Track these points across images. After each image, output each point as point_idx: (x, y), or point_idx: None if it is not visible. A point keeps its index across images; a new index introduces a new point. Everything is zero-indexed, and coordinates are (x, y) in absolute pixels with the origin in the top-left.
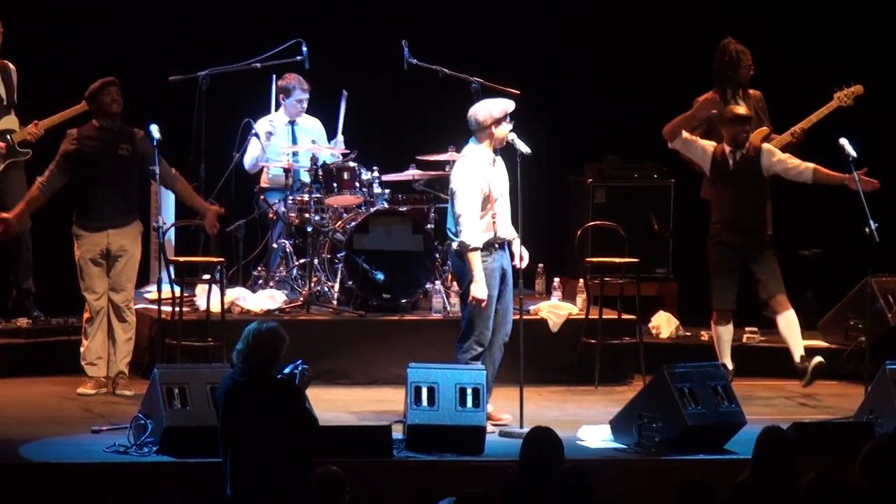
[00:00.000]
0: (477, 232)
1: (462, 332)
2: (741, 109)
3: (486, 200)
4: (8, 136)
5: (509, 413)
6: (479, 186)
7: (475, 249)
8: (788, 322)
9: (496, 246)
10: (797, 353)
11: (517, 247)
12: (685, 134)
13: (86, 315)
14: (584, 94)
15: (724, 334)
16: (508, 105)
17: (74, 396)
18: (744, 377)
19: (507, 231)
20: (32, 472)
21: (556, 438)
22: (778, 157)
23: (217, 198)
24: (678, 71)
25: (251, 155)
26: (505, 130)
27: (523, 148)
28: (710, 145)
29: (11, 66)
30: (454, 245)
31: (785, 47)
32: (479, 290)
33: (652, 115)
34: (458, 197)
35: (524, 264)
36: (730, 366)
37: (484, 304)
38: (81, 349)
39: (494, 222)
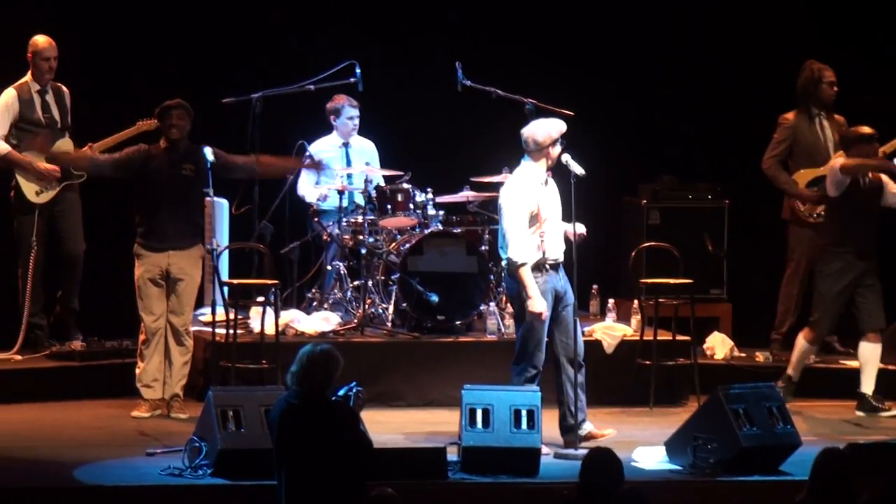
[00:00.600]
0: (524, 248)
1: (516, 354)
2: (867, 128)
3: (535, 219)
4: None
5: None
6: (527, 204)
7: (523, 265)
8: (872, 352)
9: (547, 267)
10: (869, 386)
11: (572, 227)
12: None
13: (142, 337)
14: (639, 114)
15: (808, 351)
16: (563, 125)
17: (129, 419)
18: (799, 398)
19: (558, 252)
20: (87, 495)
21: (616, 459)
22: (892, 188)
23: (271, 220)
24: (733, 92)
25: (306, 187)
26: (557, 151)
27: (578, 169)
28: None
29: (65, 89)
30: (504, 264)
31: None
32: (535, 304)
33: (707, 136)
34: (504, 213)
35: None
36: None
37: (543, 317)
38: (137, 371)
39: (543, 242)
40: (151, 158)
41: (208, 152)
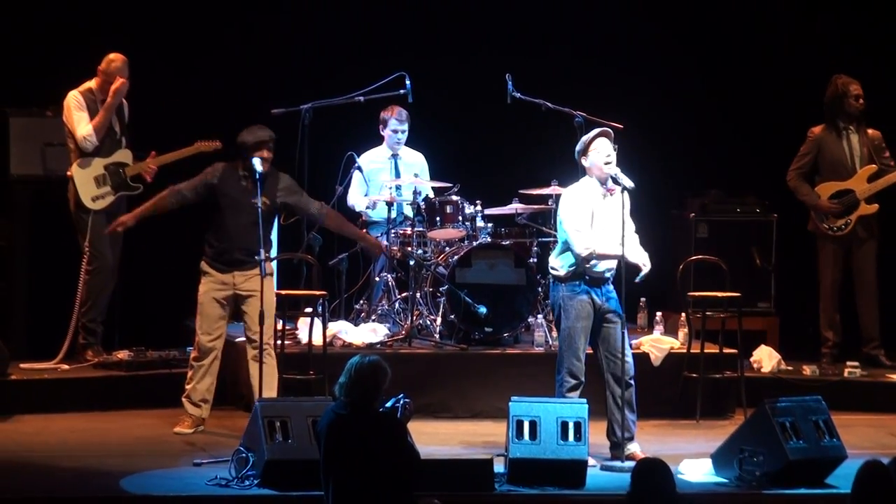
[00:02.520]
0: (587, 239)
1: (557, 365)
2: None
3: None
4: (121, 170)
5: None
6: (584, 206)
7: (590, 253)
8: None
9: (587, 277)
10: None
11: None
12: None
13: (194, 353)
14: (687, 127)
15: None
16: (590, 134)
17: (174, 428)
18: (845, 411)
19: (604, 267)
20: None
21: (667, 469)
22: None
23: (319, 232)
24: (781, 105)
25: (356, 197)
26: (596, 160)
27: (626, 182)
28: None
29: (125, 101)
30: (553, 274)
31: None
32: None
33: (755, 149)
34: (563, 217)
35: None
36: None
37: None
38: (187, 387)
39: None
40: (227, 181)
41: (257, 163)
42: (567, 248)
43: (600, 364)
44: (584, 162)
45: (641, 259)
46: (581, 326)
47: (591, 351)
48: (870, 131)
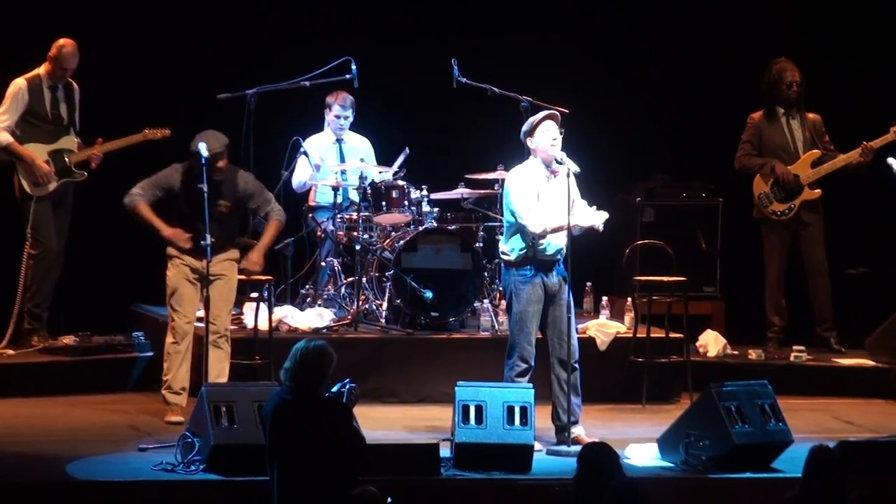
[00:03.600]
0: (537, 216)
1: (507, 349)
2: None
3: None
4: (65, 157)
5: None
6: (530, 186)
7: (543, 231)
8: None
9: (538, 260)
10: None
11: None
12: None
13: (170, 339)
14: (634, 111)
15: None
16: (537, 116)
17: (121, 414)
18: (791, 396)
19: (554, 249)
20: (79, 491)
21: (612, 452)
22: None
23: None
24: (728, 89)
25: (300, 176)
26: (542, 142)
27: (572, 166)
28: None
29: (76, 85)
30: (503, 259)
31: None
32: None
33: (701, 134)
34: (512, 198)
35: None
36: None
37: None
38: (167, 377)
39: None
40: (188, 188)
41: (203, 148)
42: (516, 231)
43: (546, 347)
44: (530, 143)
45: (594, 217)
46: (532, 311)
47: (540, 335)
48: (810, 115)
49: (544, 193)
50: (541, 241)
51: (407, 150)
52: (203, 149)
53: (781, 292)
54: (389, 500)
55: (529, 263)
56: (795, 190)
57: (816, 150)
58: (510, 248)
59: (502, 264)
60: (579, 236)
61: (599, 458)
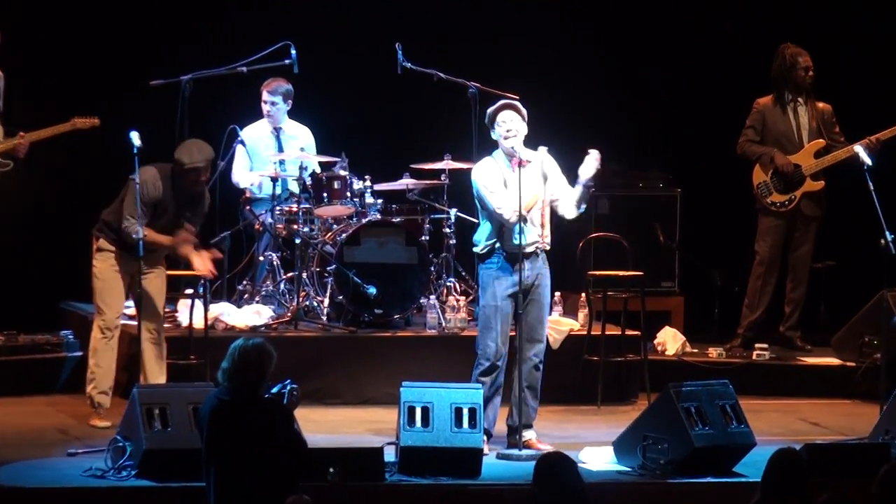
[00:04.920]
0: (508, 204)
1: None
2: None
3: None
4: None
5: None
6: (494, 174)
7: (519, 220)
8: None
9: (505, 255)
10: None
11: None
12: None
13: (97, 335)
14: (586, 97)
15: None
16: (499, 104)
17: (48, 417)
18: (754, 396)
19: (523, 241)
20: (5, 498)
21: (570, 462)
22: None
23: None
24: (688, 74)
25: (239, 174)
26: (499, 133)
27: (524, 155)
28: None
29: (0, 72)
30: (474, 251)
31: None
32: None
33: (658, 120)
34: (482, 190)
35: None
36: None
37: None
38: (93, 376)
39: (504, 229)
40: (169, 193)
41: (135, 137)
42: (486, 222)
43: (515, 345)
44: (492, 135)
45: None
46: (497, 305)
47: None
48: (820, 104)
49: (513, 184)
50: (516, 229)
51: (344, 156)
52: (136, 138)
53: (767, 287)
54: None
55: (495, 255)
56: (796, 181)
57: (821, 140)
58: (477, 238)
59: (475, 257)
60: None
61: (557, 470)
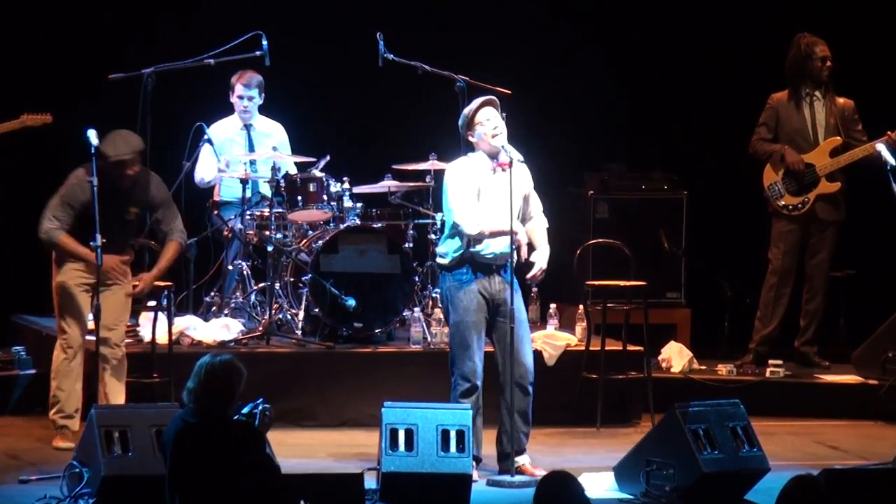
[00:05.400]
0: (474, 218)
1: (449, 365)
2: None
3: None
4: None
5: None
6: (470, 182)
7: (479, 234)
8: None
9: (477, 263)
10: None
11: (536, 255)
12: None
13: (60, 355)
14: (585, 93)
15: None
16: (472, 106)
17: None
18: (767, 417)
19: (496, 250)
20: None
21: (575, 482)
22: None
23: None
24: (694, 70)
25: (203, 171)
26: (485, 132)
27: (514, 155)
28: None
29: None
30: (438, 263)
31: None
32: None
33: (662, 116)
34: (449, 195)
35: (532, 273)
36: None
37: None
38: (57, 398)
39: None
40: (91, 194)
41: (92, 135)
42: (453, 231)
43: (496, 364)
44: (471, 137)
45: (538, 255)
46: (472, 321)
47: (492, 349)
48: (840, 100)
49: (489, 189)
50: (478, 245)
51: (328, 157)
52: (93, 136)
53: (781, 299)
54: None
55: (465, 266)
56: (810, 182)
57: (837, 138)
58: (445, 249)
59: (438, 268)
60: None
61: (560, 491)
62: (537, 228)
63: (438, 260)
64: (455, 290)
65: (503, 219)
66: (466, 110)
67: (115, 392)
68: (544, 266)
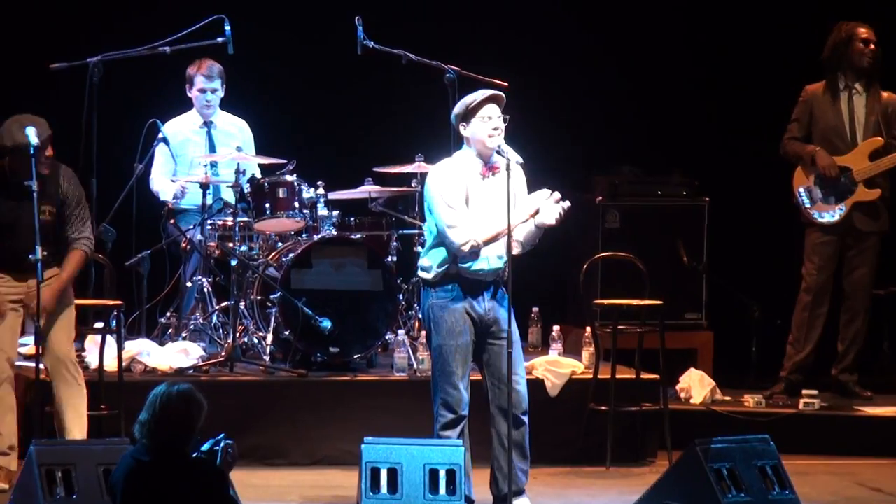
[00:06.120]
0: (467, 228)
1: (431, 394)
2: None
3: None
4: None
5: None
6: (457, 186)
7: (475, 245)
8: None
9: (463, 281)
10: None
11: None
12: None
13: None
14: (593, 88)
15: None
16: (477, 96)
17: None
18: (800, 455)
19: (487, 265)
20: None
21: None
22: None
23: (114, 221)
24: (717, 52)
25: (160, 180)
26: (481, 130)
27: (512, 156)
28: None
29: None
30: (421, 277)
31: None
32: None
33: (681, 113)
34: (433, 202)
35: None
36: None
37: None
38: None
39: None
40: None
41: (31, 133)
42: (439, 242)
43: (485, 393)
44: (463, 130)
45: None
46: (455, 344)
47: (479, 376)
48: (885, 94)
49: (478, 195)
50: (469, 260)
51: (294, 162)
52: (33, 134)
53: (816, 320)
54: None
55: (451, 282)
56: (845, 188)
57: (878, 138)
58: (429, 262)
59: (420, 283)
60: (528, 250)
61: None
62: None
63: (421, 274)
64: (438, 310)
65: (496, 223)
66: (468, 99)
67: (79, 414)
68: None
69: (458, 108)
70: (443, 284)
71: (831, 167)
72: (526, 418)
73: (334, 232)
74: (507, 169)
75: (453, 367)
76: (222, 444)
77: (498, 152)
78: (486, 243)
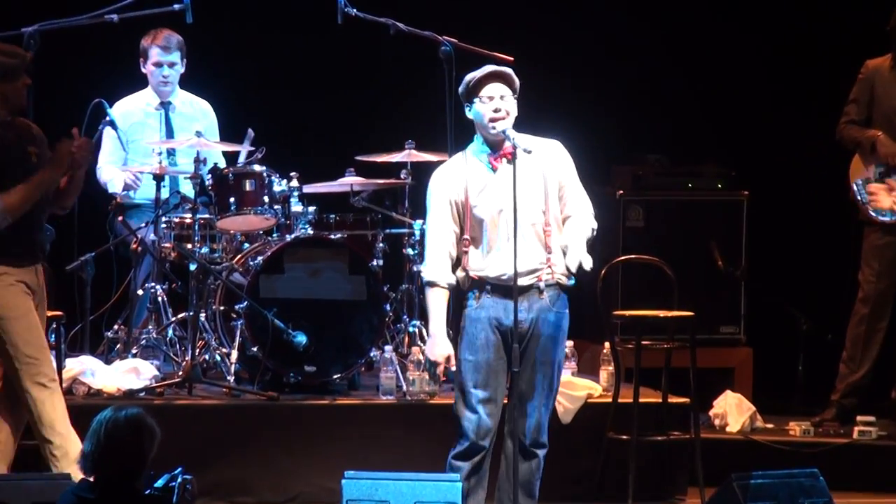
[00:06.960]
0: (437, 260)
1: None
2: None
3: (461, 218)
4: None
5: None
6: (442, 198)
7: (430, 285)
8: None
9: (488, 289)
10: None
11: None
12: None
13: (39, 395)
14: (614, 67)
15: None
16: (477, 73)
17: None
18: (854, 492)
19: (509, 270)
20: None
21: None
22: None
23: (52, 218)
24: (758, 26)
25: (110, 169)
26: (483, 112)
27: (520, 143)
28: None
29: None
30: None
31: None
32: (430, 347)
33: (716, 93)
34: (427, 201)
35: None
36: None
37: (442, 368)
38: (60, 448)
39: (467, 253)
40: None
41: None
42: None
43: (503, 417)
44: (468, 113)
45: (573, 257)
46: (475, 360)
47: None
48: None
49: (489, 191)
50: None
51: (250, 132)
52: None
53: (874, 335)
54: None
55: (477, 288)
56: None
57: None
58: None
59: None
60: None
61: None
62: (566, 231)
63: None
64: (466, 320)
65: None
66: (469, 76)
67: (63, 417)
68: (576, 263)
69: (461, 87)
70: (470, 290)
71: (895, 155)
72: (541, 453)
73: (310, 231)
74: (512, 158)
75: (469, 387)
76: (179, 480)
77: (505, 138)
78: (429, 306)
